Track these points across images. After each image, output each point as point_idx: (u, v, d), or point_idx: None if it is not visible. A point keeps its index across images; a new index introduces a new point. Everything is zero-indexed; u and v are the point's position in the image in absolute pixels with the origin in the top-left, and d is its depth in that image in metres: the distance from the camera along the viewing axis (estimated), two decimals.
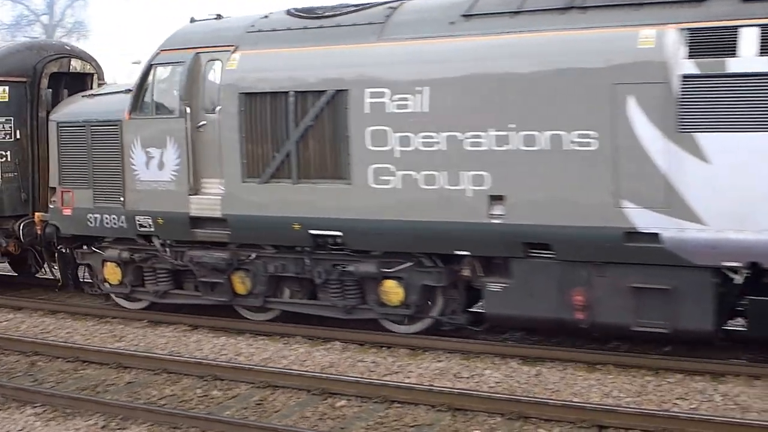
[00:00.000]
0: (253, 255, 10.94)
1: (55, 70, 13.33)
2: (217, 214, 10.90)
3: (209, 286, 11.29)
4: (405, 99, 9.55)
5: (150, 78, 11.39)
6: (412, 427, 7.60)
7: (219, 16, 11.85)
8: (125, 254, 11.81)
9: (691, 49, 8.36)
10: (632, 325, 8.94)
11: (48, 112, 12.78)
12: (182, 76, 11.05)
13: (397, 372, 9.18)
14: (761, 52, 8.07)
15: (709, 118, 8.30)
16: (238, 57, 10.67)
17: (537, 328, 10.00)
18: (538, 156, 8.98)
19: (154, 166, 11.32)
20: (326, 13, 10.74)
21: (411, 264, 10.05)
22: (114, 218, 11.74)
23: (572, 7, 9.10)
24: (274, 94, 10.39)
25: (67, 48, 13.92)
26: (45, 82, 13.18)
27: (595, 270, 9.02)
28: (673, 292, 8.67)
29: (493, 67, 9.19)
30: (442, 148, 9.43)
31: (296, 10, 10.95)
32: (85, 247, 12.33)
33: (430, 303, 10.28)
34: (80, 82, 13.73)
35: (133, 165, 11.49)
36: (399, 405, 8.06)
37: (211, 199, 10.95)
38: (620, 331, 9.25)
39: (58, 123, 12.28)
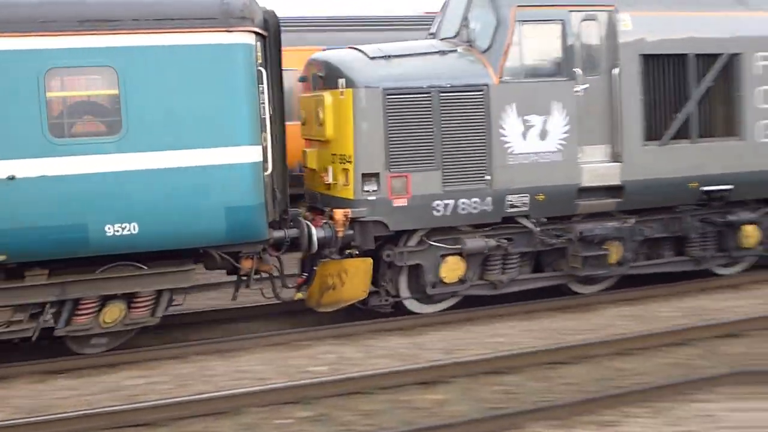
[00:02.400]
0: (632, 221, 10.74)
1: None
2: (616, 181, 10.41)
3: (585, 261, 10.51)
4: None
5: (516, 37, 9.97)
6: None
7: None
8: (493, 242, 10.02)
9: None
10: None
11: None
12: (566, 35, 10.12)
13: None
14: None
15: None
16: (630, 18, 10.39)
17: None
18: None
19: (534, 136, 10.03)
20: None
21: None
22: (475, 202, 9.87)
23: None
24: (674, 56, 10.57)
25: None
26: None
27: None
28: None
29: None
30: None
31: None
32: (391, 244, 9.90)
33: None
34: None
35: (505, 136, 9.92)
36: None
37: (606, 167, 10.37)
38: None
39: (385, 90, 9.47)
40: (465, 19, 10.54)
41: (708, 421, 6.68)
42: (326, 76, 9.90)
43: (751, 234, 11.37)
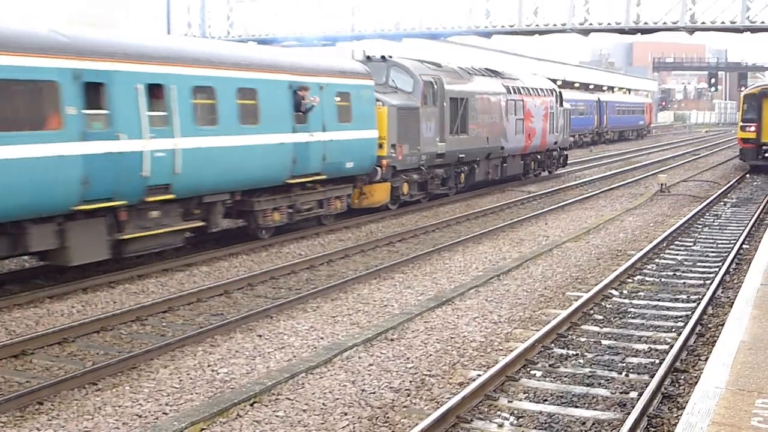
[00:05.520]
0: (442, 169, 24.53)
1: None
2: (443, 151, 23.86)
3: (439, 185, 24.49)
4: None
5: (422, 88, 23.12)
6: None
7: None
8: (417, 176, 23.11)
9: None
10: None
11: None
12: (431, 85, 23.81)
13: None
14: None
15: None
16: (445, 82, 24.43)
17: None
18: None
19: (427, 131, 22.85)
20: None
21: None
22: (416, 158, 22.62)
23: None
24: (457, 99, 24.98)
25: None
26: None
27: None
28: None
29: None
30: None
31: None
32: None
33: None
34: None
35: (421, 130, 22.65)
36: None
37: (440, 144, 23.77)
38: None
39: (398, 108, 21.69)
40: (388, 77, 22.47)
41: None
42: None
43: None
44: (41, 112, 12.11)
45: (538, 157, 32.34)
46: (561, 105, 33.72)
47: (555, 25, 26.90)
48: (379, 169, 20.62)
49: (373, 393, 8.78)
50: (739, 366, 7.24)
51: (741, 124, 35.50)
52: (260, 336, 10.83)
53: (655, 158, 46.02)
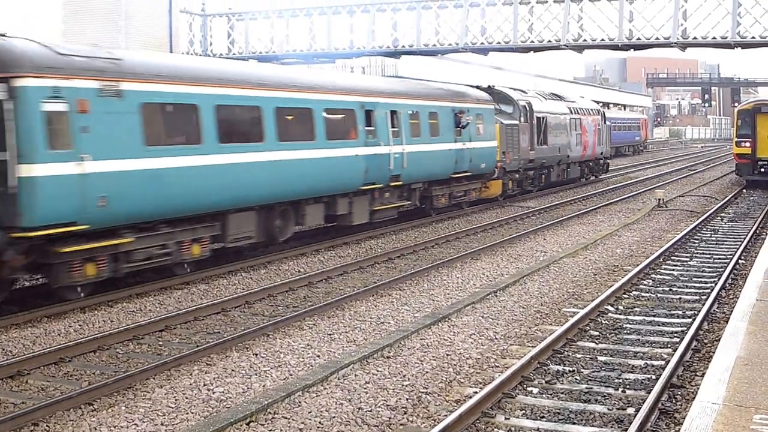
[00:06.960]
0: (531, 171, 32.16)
1: None
2: (533, 158, 31.20)
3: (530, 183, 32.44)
4: None
5: (519, 110, 30.74)
6: None
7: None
8: (518, 176, 30.61)
9: None
10: None
11: None
12: (527, 110, 31.32)
13: None
14: None
15: None
16: (535, 105, 31.37)
17: None
18: None
19: (524, 141, 29.92)
20: None
21: None
22: (516, 163, 29.63)
23: None
24: (540, 118, 33.65)
25: None
26: None
27: None
28: None
29: None
30: None
31: None
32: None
33: None
34: None
35: (523, 141, 29.90)
36: None
37: (531, 152, 31.06)
38: None
39: (506, 125, 28.73)
40: (496, 102, 28.87)
41: None
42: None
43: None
44: (348, 128, 19.65)
45: (590, 164, 40.18)
46: (605, 122, 42.45)
47: (550, 41, 27.13)
48: (496, 170, 27.54)
49: (370, 411, 8.72)
50: (735, 382, 7.25)
51: (736, 139, 35.74)
52: (256, 354, 10.78)
53: (651, 173, 46.09)
